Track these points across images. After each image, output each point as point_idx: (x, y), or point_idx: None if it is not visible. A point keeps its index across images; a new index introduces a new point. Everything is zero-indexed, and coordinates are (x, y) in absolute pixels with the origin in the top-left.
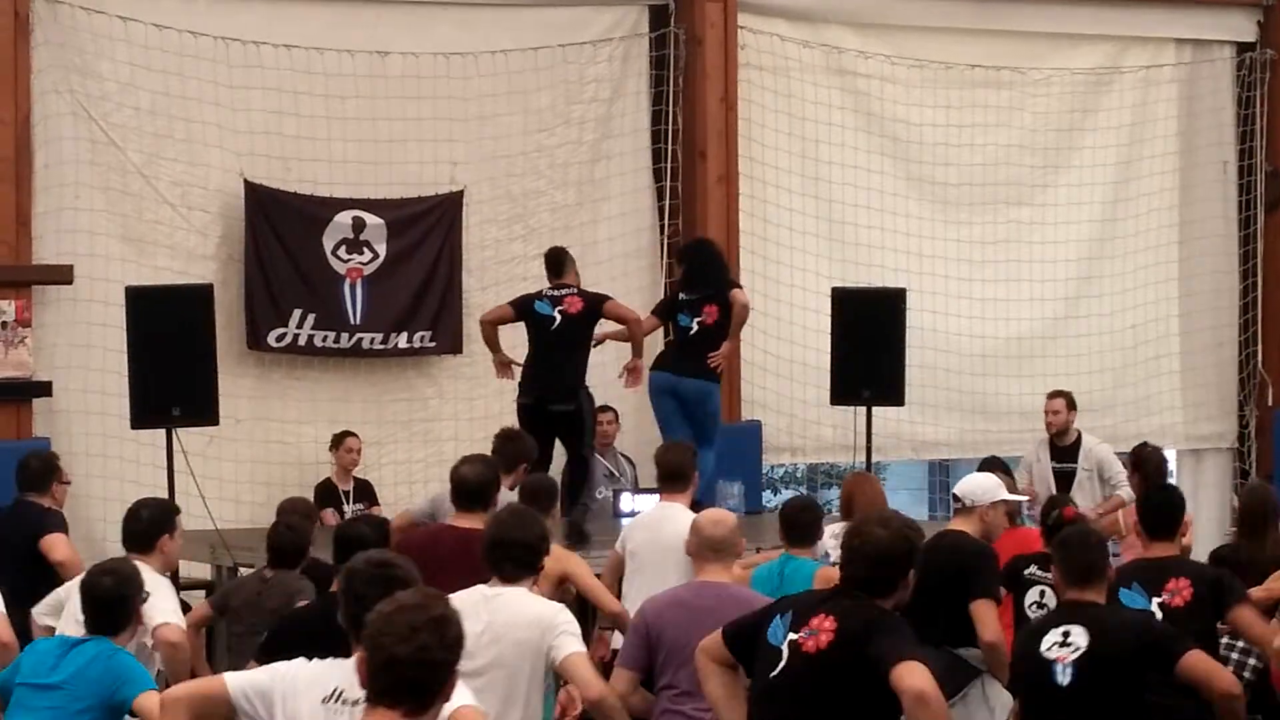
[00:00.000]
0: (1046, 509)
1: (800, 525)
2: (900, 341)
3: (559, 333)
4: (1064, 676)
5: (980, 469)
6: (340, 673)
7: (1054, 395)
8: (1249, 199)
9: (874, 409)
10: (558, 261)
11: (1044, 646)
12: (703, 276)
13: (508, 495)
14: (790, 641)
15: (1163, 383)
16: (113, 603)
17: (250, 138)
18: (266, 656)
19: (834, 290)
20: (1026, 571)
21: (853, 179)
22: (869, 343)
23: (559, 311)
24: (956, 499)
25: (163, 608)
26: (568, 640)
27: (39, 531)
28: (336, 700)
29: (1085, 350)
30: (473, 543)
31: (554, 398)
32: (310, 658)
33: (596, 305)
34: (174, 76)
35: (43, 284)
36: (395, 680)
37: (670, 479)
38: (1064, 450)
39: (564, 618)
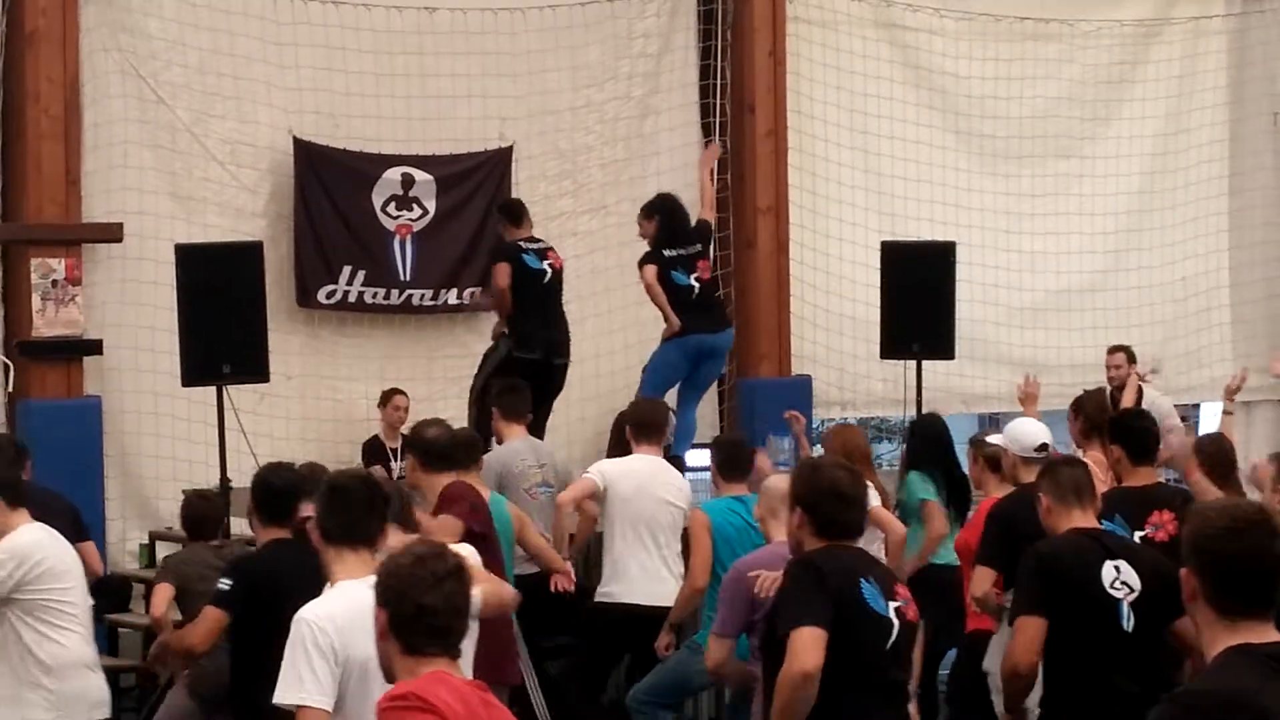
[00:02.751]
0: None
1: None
2: (949, 295)
3: (550, 288)
4: (1128, 622)
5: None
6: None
7: (1114, 350)
8: None
9: (924, 363)
10: (518, 213)
11: (1106, 582)
12: (685, 233)
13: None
14: (895, 609)
15: (1213, 335)
16: None
17: (299, 95)
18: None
19: (883, 244)
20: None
21: (900, 132)
22: (918, 296)
23: (547, 266)
24: (1045, 449)
25: None
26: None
27: None
28: None
29: (1135, 303)
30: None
31: (558, 353)
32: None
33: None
34: (222, 34)
35: (93, 242)
36: (429, 628)
37: (651, 431)
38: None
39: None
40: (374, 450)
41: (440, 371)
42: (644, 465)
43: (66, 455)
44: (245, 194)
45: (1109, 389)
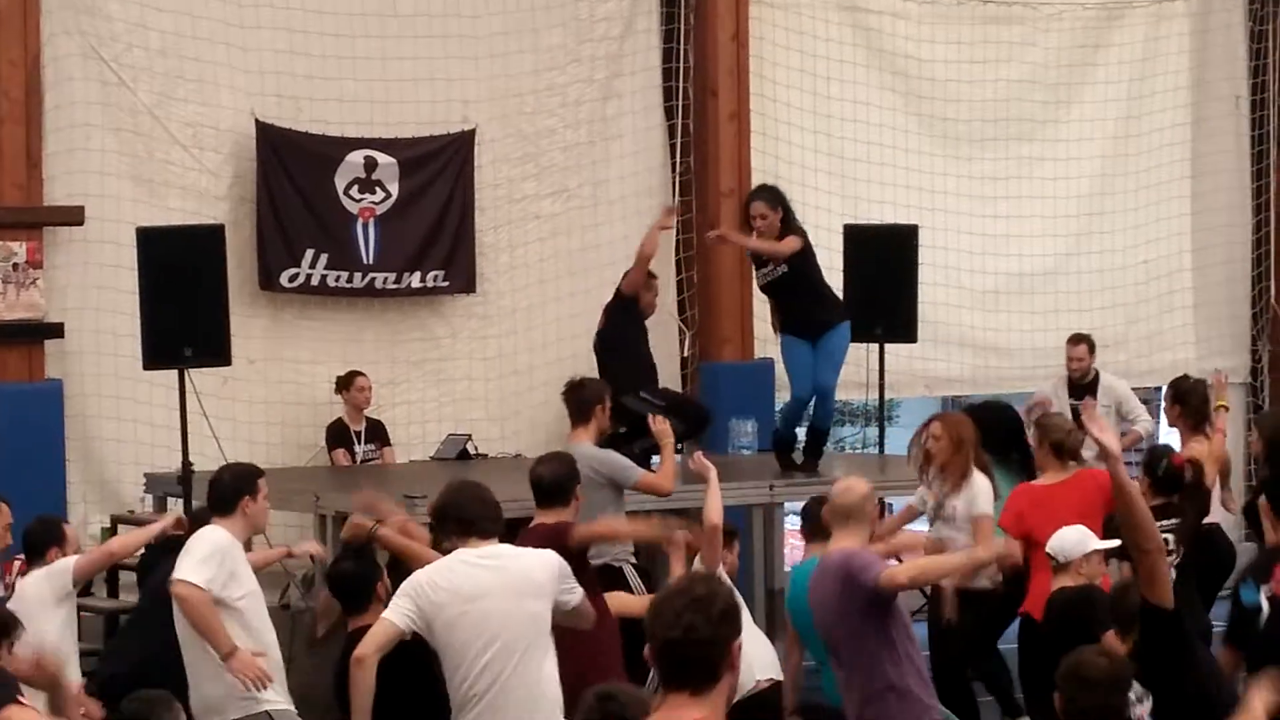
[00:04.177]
0: (1151, 460)
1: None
2: (912, 278)
3: (596, 352)
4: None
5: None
6: None
7: (1076, 341)
8: (1261, 133)
9: (886, 346)
10: None
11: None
12: None
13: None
14: (1271, 597)
15: (1175, 318)
16: None
17: (261, 77)
18: None
19: (846, 227)
20: None
21: (863, 115)
22: (881, 280)
23: (597, 333)
24: (1049, 558)
25: (181, 563)
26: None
27: None
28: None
29: (1097, 286)
30: (560, 537)
31: None
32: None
33: (616, 304)
34: (184, 16)
35: (54, 225)
36: (674, 663)
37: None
38: (1082, 387)
39: (568, 570)
40: (338, 433)
41: (403, 355)
42: None
43: (28, 439)
44: (207, 177)
45: (1066, 375)
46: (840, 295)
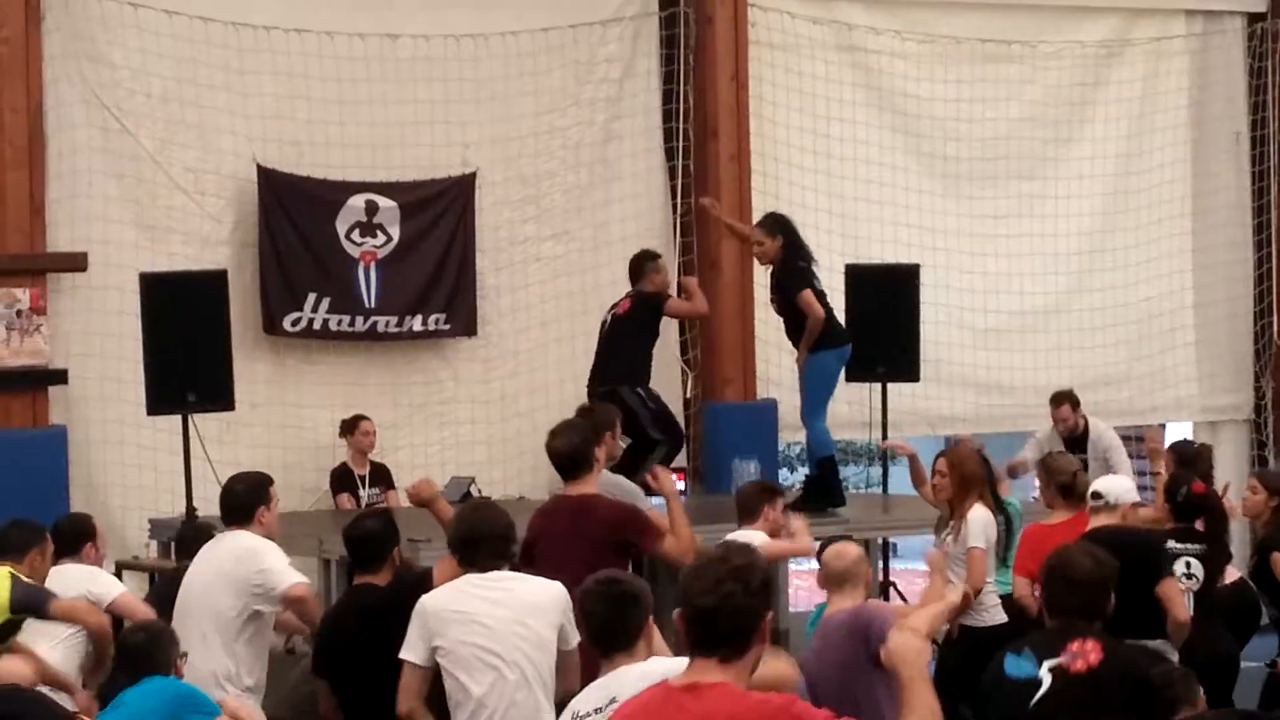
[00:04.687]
0: (1172, 486)
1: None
2: (914, 317)
3: (605, 337)
4: None
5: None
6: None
7: (1058, 401)
8: (1262, 169)
9: (889, 385)
10: (633, 268)
11: None
12: (804, 242)
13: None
14: (1053, 667)
15: (1178, 355)
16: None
17: (262, 122)
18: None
19: (847, 267)
20: (1168, 546)
21: (864, 155)
22: (883, 319)
23: (611, 314)
24: (1098, 496)
25: (279, 568)
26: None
27: None
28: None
29: (1099, 323)
30: (589, 509)
31: (589, 389)
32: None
33: (643, 303)
34: (185, 62)
35: (57, 271)
36: (707, 630)
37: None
38: (1074, 441)
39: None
40: (342, 477)
41: (406, 398)
42: None
43: (32, 485)
44: (210, 222)
45: (1062, 440)
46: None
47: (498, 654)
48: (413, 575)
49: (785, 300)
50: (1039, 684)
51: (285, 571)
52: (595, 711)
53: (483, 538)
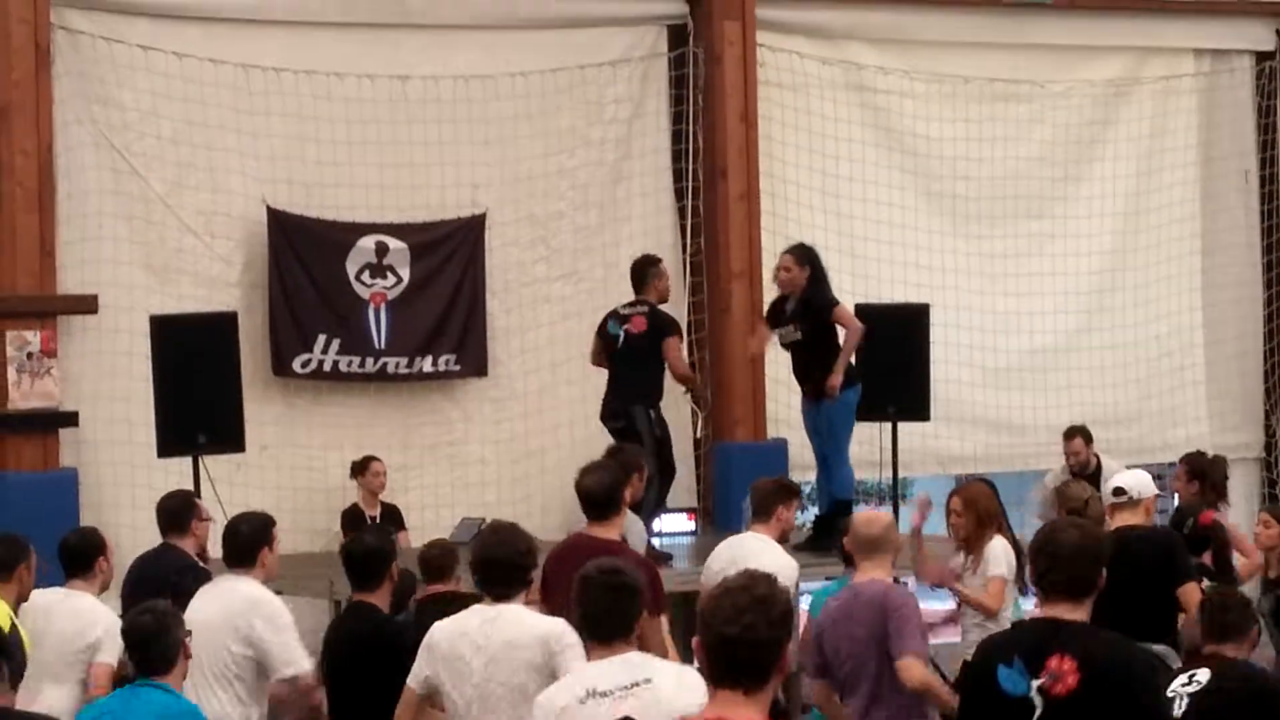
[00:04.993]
0: (1179, 518)
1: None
2: (924, 357)
3: (620, 353)
4: None
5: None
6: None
7: (1071, 435)
8: (1271, 207)
9: (899, 424)
10: (636, 275)
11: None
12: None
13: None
14: (1039, 688)
15: (1187, 393)
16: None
17: (272, 164)
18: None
19: (857, 306)
20: None
21: (873, 194)
22: (893, 359)
23: (624, 330)
24: (1121, 492)
25: (289, 645)
26: (570, 658)
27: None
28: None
29: (1109, 362)
30: (611, 550)
31: (606, 415)
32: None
33: (660, 330)
34: (195, 104)
35: (68, 314)
36: (729, 661)
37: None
38: (1085, 478)
39: (569, 638)
40: (353, 518)
41: (416, 439)
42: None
43: (43, 528)
44: (220, 264)
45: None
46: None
47: (482, 701)
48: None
49: (816, 323)
50: (1033, 707)
51: (292, 650)
52: (620, 689)
53: (494, 562)
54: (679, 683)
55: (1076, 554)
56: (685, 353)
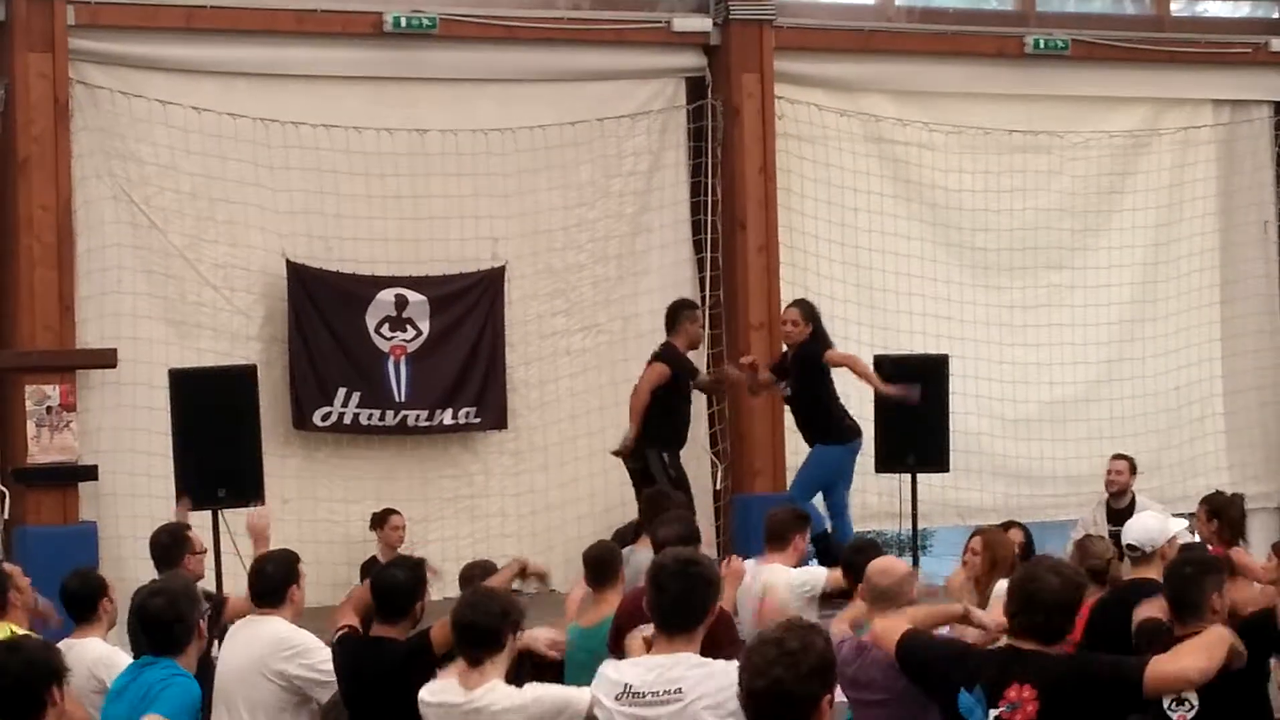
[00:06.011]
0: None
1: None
2: (944, 408)
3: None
4: None
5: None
6: None
7: (1117, 457)
8: None
9: (919, 475)
10: (669, 317)
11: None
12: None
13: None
14: (995, 718)
15: (1208, 443)
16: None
17: (291, 218)
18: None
19: (876, 358)
20: None
21: (892, 246)
22: (912, 410)
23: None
24: (1133, 549)
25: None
26: None
27: None
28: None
29: (1129, 412)
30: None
31: (626, 458)
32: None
33: (682, 373)
34: (214, 159)
35: (87, 368)
36: (761, 714)
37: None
38: (1120, 513)
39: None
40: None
41: (436, 492)
42: None
43: None
44: (239, 318)
45: (1106, 495)
46: (874, 426)
47: None
48: (414, 640)
49: (804, 378)
50: None
51: (331, 674)
52: (655, 696)
53: (467, 628)
54: (706, 678)
55: (1054, 605)
56: (658, 381)
